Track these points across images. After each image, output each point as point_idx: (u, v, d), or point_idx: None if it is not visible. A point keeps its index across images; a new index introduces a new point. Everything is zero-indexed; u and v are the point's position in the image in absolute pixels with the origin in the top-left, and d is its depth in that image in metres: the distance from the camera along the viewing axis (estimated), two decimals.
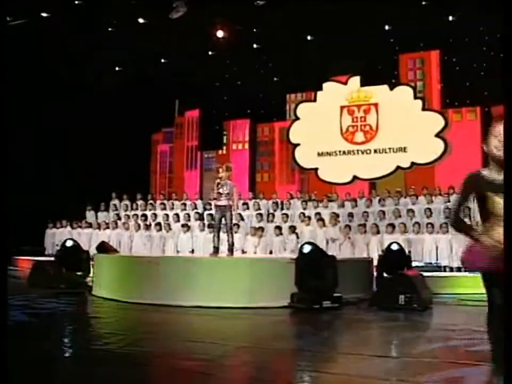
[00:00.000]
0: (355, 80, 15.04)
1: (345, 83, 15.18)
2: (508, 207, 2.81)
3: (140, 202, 14.73)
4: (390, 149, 14.56)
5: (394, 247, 7.95)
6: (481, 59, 13.86)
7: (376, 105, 14.76)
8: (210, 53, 15.41)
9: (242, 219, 12.32)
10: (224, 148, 16.48)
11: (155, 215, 13.73)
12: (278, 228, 11.59)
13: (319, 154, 15.08)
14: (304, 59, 14.22)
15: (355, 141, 14.87)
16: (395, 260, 7.68)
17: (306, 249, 7.14)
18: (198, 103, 16.50)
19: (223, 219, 8.02)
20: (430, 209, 11.65)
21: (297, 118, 15.64)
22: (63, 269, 8.67)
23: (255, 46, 14.95)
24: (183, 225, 12.22)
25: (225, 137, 16.44)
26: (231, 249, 8.06)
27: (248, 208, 13.26)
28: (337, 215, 11.59)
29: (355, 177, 14.75)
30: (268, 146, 16.07)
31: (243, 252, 11.05)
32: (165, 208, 14.10)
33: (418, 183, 13.57)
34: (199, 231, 12.14)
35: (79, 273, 8.84)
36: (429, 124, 14.22)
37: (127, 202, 15.07)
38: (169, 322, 6.13)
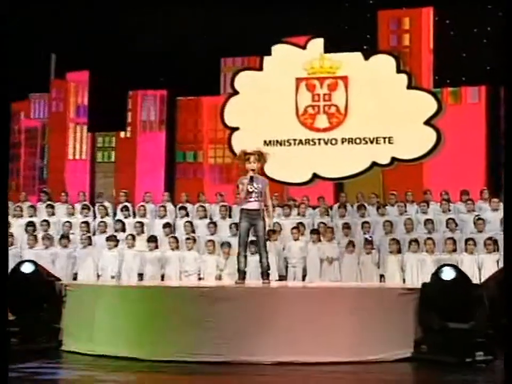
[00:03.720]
0: (317, 44, 13.61)
1: (304, 47, 13.73)
2: (507, 207, 3.97)
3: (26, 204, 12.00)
4: (363, 139, 13.26)
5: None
6: (488, 21, 12.73)
7: (345, 79, 13.40)
8: None
9: (193, 231, 10.47)
10: (129, 129, 14.53)
11: (47, 222, 11.01)
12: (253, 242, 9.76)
13: (266, 144, 13.45)
14: (246, 10, 12.76)
15: (316, 127, 13.51)
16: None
17: (448, 274, 6.21)
18: (88, 61, 14.15)
19: (252, 230, 7.06)
20: (431, 220, 10.05)
21: (235, 92, 14.00)
22: None
23: None
24: (109, 239, 10.02)
25: (129, 114, 14.52)
26: (266, 274, 7.11)
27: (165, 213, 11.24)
28: (331, 228, 10.19)
29: (315, 176, 13.36)
30: (193, 130, 14.24)
31: (199, 277, 9.69)
32: (53, 214, 11.51)
33: (401, 185, 12.24)
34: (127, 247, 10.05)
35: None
36: (416, 107, 13.02)
37: None
38: None
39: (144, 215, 11.10)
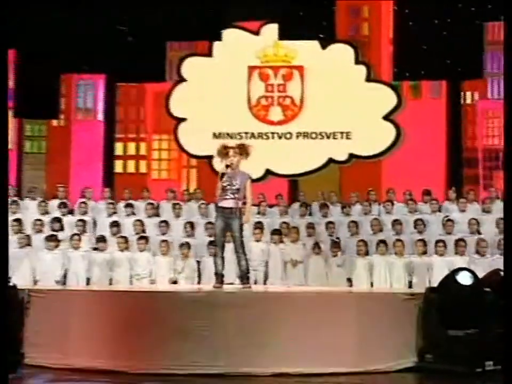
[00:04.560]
0: (271, 30, 13.37)
1: (257, 33, 13.45)
2: (508, 207, 4.16)
3: None
4: (319, 133, 13.13)
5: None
6: (448, 13, 12.89)
7: (301, 69, 13.21)
8: None
9: (143, 230, 9.99)
10: (62, 116, 13.83)
11: None
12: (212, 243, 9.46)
13: (216, 136, 13.19)
14: None
15: (269, 120, 13.28)
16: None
17: (466, 279, 6.03)
18: (14, 39, 13.31)
19: (228, 229, 6.89)
20: (399, 221, 9.98)
21: (182, 80, 13.55)
22: None
23: None
24: (49, 239, 9.40)
25: (63, 100, 13.83)
26: (246, 277, 6.93)
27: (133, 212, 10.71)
28: (296, 228, 9.91)
29: (268, 172, 13.06)
30: (135, 119, 13.73)
31: (151, 281, 9.23)
32: None
33: (359, 183, 12.22)
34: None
35: None
36: (375, 101, 13.01)
37: None
38: None
39: (85, 213, 10.52)
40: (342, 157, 12.94)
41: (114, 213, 10.65)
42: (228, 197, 6.76)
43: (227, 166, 6.77)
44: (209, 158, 13.09)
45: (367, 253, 9.32)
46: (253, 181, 12.76)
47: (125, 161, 13.53)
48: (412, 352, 6.11)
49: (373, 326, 5.97)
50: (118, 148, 13.56)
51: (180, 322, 5.83)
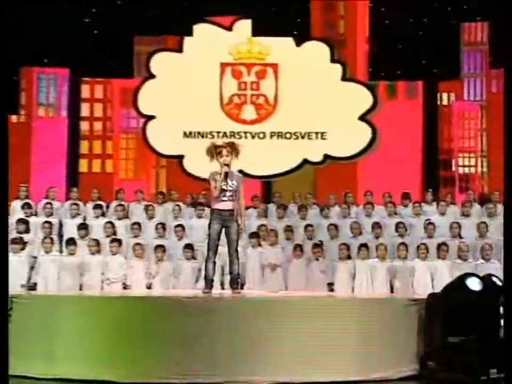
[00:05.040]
0: (244, 26, 13.18)
1: (229, 28, 13.27)
2: (507, 207, 4.43)
3: None
4: (293, 133, 13.01)
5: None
6: (424, 12, 13.09)
7: (275, 66, 13.08)
8: None
9: (114, 233, 9.78)
10: (23, 112, 13.65)
11: None
12: (189, 246, 9.43)
13: (186, 135, 13.01)
14: None
15: (242, 118, 13.10)
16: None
17: (475, 285, 6.02)
18: None
19: (223, 232, 6.77)
20: (379, 224, 10.00)
21: (151, 76, 13.22)
22: None
23: None
24: (14, 241, 9.11)
25: (23, 95, 13.66)
26: (236, 282, 6.92)
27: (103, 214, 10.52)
28: (275, 230, 9.78)
29: (241, 173, 12.53)
30: (101, 116, 13.71)
31: (125, 286, 9.04)
32: None
33: (334, 184, 12.39)
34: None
35: None
36: (351, 101, 12.95)
37: None
38: None
39: (51, 214, 10.26)
40: (317, 157, 12.84)
41: (78, 214, 10.42)
42: (225, 198, 6.63)
43: (226, 166, 6.63)
44: (180, 157, 13.04)
45: (349, 257, 9.32)
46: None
47: (90, 160, 13.32)
48: (413, 359, 6.09)
49: (374, 332, 5.92)
50: (83, 146, 13.33)
51: (174, 329, 5.72)
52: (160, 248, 9.24)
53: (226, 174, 6.61)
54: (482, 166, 12.92)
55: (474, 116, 12.85)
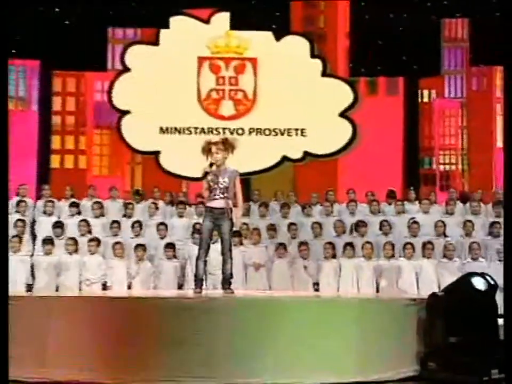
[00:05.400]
0: (222, 19, 13.17)
1: (207, 21, 13.21)
2: (507, 208, 4.50)
3: None
4: (273, 130, 13.06)
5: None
6: (404, 8, 13.15)
7: (254, 61, 13.08)
8: None
9: (89, 231, 9.67)
10: None
11: None
12: (170, 246, 9.39)
13: (163, 131, 12.98)
14: None
15: (220, 114, 13.10)
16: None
17: (481, 284, 6.02)
18: None
19: (216, 231, 6.79)
20: (364, 222, 10.02)
21: (126, 69, 13.14)
22: None
23: None
24: None
25: None
26: (228, 282, 6.78)
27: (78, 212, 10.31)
28: (257, 229, 9.74)
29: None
30: (74, 111, 13.36)
31: (104, 287, 9.00)
32: None
33: (314, 182, 12.29)
34: None
35: None
36: (331, 97, 13.06)
37: None
38: None
39: (24, 212, 10.06)
40: (297, 155, 12.90)
41: (53, 213, 10.22)
42: (217, 196, 6.58)
43: (211, 164, 6.58)
44: (156, 154, 12.91)
45: (334, 256, 9.32)
46: (201, 179, 12.90)
47: (62, 155, 13.08)
48: (413, 360, 6.09)
49: (373, 332, 5.91)
50: (55, 141, 13.08)
51: (168, 330, 5.63)
52: (140, 247, 9.12)
53: (213, 173, 6.55)
54: (463, 164, 13.04)
55: (454, 114, 12.96)
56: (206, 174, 6.58)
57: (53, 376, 5.67)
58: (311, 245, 9.67)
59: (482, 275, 6.19)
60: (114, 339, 5.62)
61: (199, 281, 6.74)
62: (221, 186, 6.56)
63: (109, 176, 12.84)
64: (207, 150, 6.59)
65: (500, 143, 12.64)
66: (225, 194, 6.57)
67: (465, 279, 6.25)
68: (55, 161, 13.03)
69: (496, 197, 10.93)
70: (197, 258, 6.76)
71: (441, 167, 13.12)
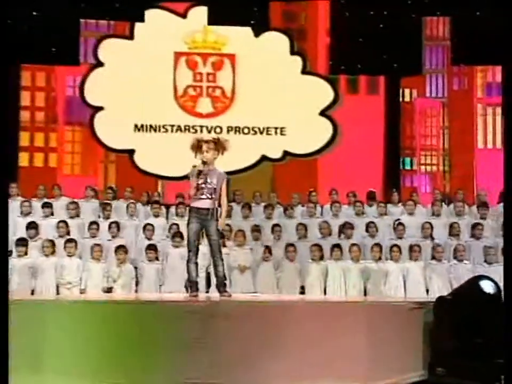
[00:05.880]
0: (200, 13, 12.98)
1: (184, 15, 13.07)
2: (508, 208, 4.66)
3: None
4: (251, 128, 13.02)
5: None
6: (385, 4, 13.16)
7: (232, 57, 13.03)
8: None
9: (68, 233, 9.57)
10: None
11: None
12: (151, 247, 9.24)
13: (137, 129, 12.82)
14: None
15: (198, 112, 13.01)
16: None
17: (489, 288, 5.97)
18: None
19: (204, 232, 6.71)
20: (351, 224, 10.01)
21: (99, 64, 12.95)
22: None
23: None
24: None
25: None
26: (223, 285, 6.75)
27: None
28: (242, 231, 9.64)
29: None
30: (43, 107, 13.14)
31: (82, 290, 8.86)
32: None
33: (294, 182, 12.32)
34: None
35: None
36: (312, 95, 13.05)
37: None
38: None
39: None
40: (276, 154, 12.86)
41: (30, 213, 10.01)
42: (203, 196, 6.51)
43: (204, 163, 6.50)
44: (131, 152, 12.74)
45: (321, 258, 9.29)
46: (179, 179, 12.77)
47: (31, 153, 12.80)
48: (420, 365, 6.05)
49: (380, 337, 5.90)
50: (23, 138, 12.79)
51: (173, 335, 5.56)
52: (121, 249, 8.96)
53: (201, 172, 6.47)
54: (444, 165, 13.15)
55: (436, 113, 13.07)
56: (199, 172, 6.47)
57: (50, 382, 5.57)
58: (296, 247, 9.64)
59: (490, 278, 6.19)
60: (118, 343, 5.51)
61: (193, 284, 6.64)
62: (209, 187, 6.52)
63: (81, 175, 12.63)
64: (196, 147, 6.51)
65: (480, 144, 12.81)
66: (212, 196, 6.53)
67: (473, 283, 6.20)
68: (23, 159, 12.74)
69: (480, 199, 11.08)
70: (187, 261, 6.69)
71: (422, 167, 13.20)
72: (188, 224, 6.66)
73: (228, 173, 12.49)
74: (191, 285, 6.65)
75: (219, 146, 6.57)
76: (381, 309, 6.37)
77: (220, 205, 6.66)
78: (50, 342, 5.59)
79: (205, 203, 6.51)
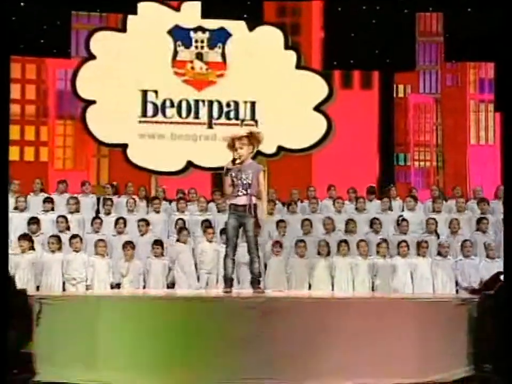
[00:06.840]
0: (193, 7, 12.53)
1: (177, 8, 12.97)
2: (508, 208, 4.70)
3: None
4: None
5: None
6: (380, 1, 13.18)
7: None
8: None
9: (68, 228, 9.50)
10: None
11: None
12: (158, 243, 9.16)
13: (131, 122, 12.62)
14: None
15: None
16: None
17: None
18: None
19: (241, 229, 6.71)
20: (353, 220, 10.08)
21: (91, 57, 12.74)
22: None
23: None
24: None
25: None
26: (257, 281, 6.81)
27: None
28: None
29: (190, 164, 12.77)
30: (34, 100, 13.05)
31: (87, 286, 8.85)
32: None
33: (288, 177, 12.37)
34: None
35: None
36: (306, 90, 12.98)
37: None
38: None
39: None
40: (271, 149, 12.79)
41: (26, 208, 9.87)
42: (240, 193, 6.56)
43: (234, 160, 6.52)
44: (124, 146, 12.61)
45: (328, 254, 9.34)
46: (172, 173, 12.69)
47: (21, 147, 12.58)
48: (466, 361, 6.12)
49: (428, 334, 5.95)
50: (13, 132, 12.54)
51: (229, 332, 5.62)
52: (129, 244, 8.90)
53: (235, 169, 6.54)
54: (437, 161, 13.30)
55: (429, 109, 13.21)
56: (227, 170, 6.48)
57: (106, 378, 5.58)
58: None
59: None
60: (174, 341, 5.48)
61: (228, 280, 6.69)
62: (244, 182, 6.54)
63: (73, 169, 12.46)
64: (231, 146, 6.51)
65: (473, 140, 13.00)
66: (248, 191, 6.54)
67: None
68: (13, 153, 12.50)
69: (477, 194, 11.26)
70: (224, 257, 6.73)
71: (416, 163, 13.34)
72: (227, 220, 6.77)
73: (219, 169, 12.77)
74: (226, 280, 6.69)
75: (253, 140, 6.58)
76: (428, 305, 6.40)
77: (259, 198, 6.62)
78: (102, 338, 5.56)
79: (241, 199, 6.56)
